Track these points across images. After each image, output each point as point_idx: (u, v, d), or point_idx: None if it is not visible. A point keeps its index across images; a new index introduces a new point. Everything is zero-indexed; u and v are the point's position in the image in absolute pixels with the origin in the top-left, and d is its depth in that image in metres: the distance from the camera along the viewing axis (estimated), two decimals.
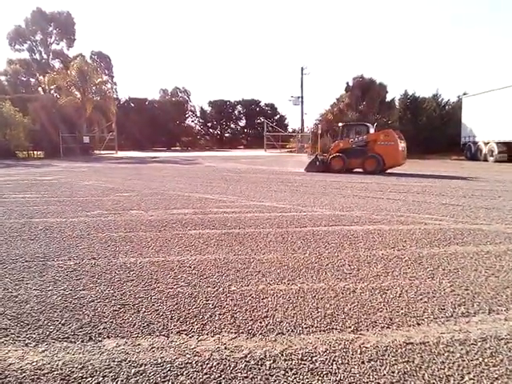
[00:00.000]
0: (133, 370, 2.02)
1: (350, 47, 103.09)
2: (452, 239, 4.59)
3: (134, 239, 4.64)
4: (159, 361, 2.10)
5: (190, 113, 60.87)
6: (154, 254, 4.07)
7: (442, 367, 2.01)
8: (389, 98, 34.21)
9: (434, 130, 29.90)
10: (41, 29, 51.32)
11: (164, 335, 2.38)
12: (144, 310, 2.72)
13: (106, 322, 2.55)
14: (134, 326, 2.50)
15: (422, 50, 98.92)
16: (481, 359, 2.08)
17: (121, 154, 35.21)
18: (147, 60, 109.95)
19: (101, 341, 2.32)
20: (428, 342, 2.26)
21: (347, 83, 34.26)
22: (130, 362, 2.09)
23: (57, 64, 51.85)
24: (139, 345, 2.27)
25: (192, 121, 61.29)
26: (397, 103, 33.93)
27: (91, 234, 4.88)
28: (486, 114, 23.61)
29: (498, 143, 22.27)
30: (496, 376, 1.94)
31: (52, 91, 38.39)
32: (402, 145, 14.06)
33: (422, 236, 4.76)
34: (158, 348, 2.23)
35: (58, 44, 53.05)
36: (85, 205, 7.10)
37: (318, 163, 15.02)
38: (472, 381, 1.90)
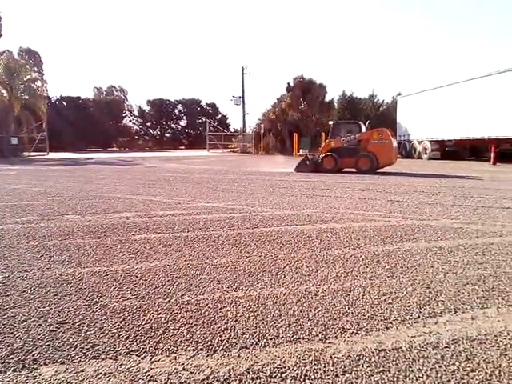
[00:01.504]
0: None
1: (290, 47, 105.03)
2: (403, 236, 4.61)
3: (71, 247, 4.20)
4: None
5: (127, 112, 58.83)
6: (95, 263, 3.68)
7: (420, 375, 1.89)
8: (328, 98, 35.16)
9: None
10: None
11: (111, 358, 2.06)
12: (86, 328, 2.38)
13: (41, 346, 2.18)
14: (76, 348, 2.16)
15: (358, 51, 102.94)
16: (457, 364, 1.99)
17: (53, 155, 33.12)
18: (80, 57, 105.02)
19: (36, 369, 1.97)
20: (401, 348, 2.14)
21: (288, 83, 34.74)
22: None
23: None
24: (82, 371, 1.95)
25: (130, 120, 59.31)
26: (336, 103, 34.90)
27: (21, 243, 4.36)
28: (420, 113, 24.88)
29: (431, 141, 23.53)
30: (477, 382, 1.84)
31: None
32: (394, 143, 13.98)
33: (374, 233, 4.74)
34: (105, 374, 1.92)
35: None
36: (14, 210, 6.42)
37: (308, 163, 14.53)
38: None
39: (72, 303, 2.75)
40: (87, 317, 2.54)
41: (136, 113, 59.23)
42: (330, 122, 15.51)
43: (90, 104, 53.69)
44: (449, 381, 1.86)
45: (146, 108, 59.18)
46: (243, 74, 40.35)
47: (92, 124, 48.91)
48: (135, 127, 59.73)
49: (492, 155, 18.76)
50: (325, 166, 14.15)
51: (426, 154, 23.97)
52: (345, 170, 14.24)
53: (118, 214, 6.01)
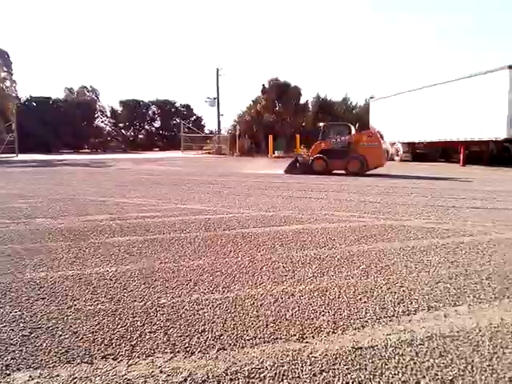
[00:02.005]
0: None
1: (265, 49, 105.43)
2: (377, 236, 4.69)
3: (43, 250, 4.09)
4: None
5: (99, 113, 57.63)
6: (68, 266, 3.60)
7: (396, 372, 1.93)
8: (303, 100, 35.46)
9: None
10: None
11: (87, 362, 2.02)
12: (60, 333, 2.32)
13: (14, 351, 2.12)
14: (50, 353, 2.10)
15: (332, 54, 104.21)
16: (432, 360, 2.03)
17: (22, 156, 32.13)
18: (51, 57, 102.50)
19: (9, 374, 1.92)
20: (376, 346, 2.18)
21: (263, 85, 34.86)
22: None
23: None
24: (57, 376, 1.90)
25: (102, 121, 58.08)
26: (310, 106, 35.25)
27: None
28: (392, 116, 25.40)
29: (402, 144, 24.04)
30: (450, 378, 1.89)
31: None
32: (384, 146, 14.02)
33: (349, 234, 4.80)
34: (80, 378, 1.88)
35: None
36: None
37: (298, 165, 14.43)
38: None
39: (45, 307, 2.68)
40: (61, 321, 2.47)
41: (108, 114, 58.10)
42: (321, 124, 15.29)
43: (61, 104, 52.38)
44: (424, 377, 1.90)
45: (119, 109, 58.11)
46: (218, 75, 40.23)
47: (63, 125, 47.69)
48: (108, 128, 58.59)
49: (461, 157, 19.32)
50: (315, 168, 14.05)
51: (397, 155, 24.46)
52: (334, 172, 14.22)
53: (91, 217, 5.89)
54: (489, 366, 2.02)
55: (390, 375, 1.90)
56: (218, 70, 40.14)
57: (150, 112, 60.36)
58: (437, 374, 1.92)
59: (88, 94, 58.40)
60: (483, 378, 1.92)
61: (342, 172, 13.82)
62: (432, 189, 9.52)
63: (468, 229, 5.05)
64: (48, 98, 51.80)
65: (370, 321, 2.49)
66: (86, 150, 50.37)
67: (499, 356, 2.11)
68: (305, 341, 2.24)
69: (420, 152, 23.84)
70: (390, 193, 8.72)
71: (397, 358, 2.06)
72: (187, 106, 61.22)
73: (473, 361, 2.06)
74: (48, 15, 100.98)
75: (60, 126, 47.26)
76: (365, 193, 8.75)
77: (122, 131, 59.58)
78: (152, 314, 2.58)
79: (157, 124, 60.99)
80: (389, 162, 23.64)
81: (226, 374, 1.91)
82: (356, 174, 13.40)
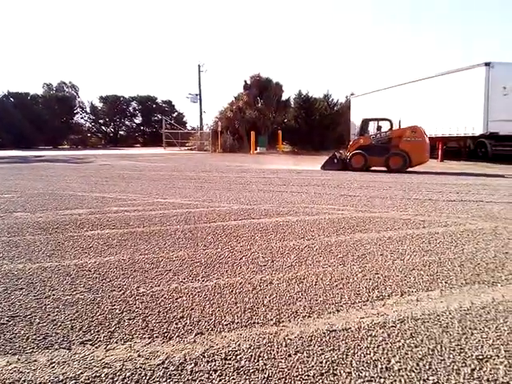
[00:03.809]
0: None
1: (247, 46, 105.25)
2: (355, 227, 4.78)
3: (21, 244, 4.05)
4: (61, 378, 1.77)
5: (78, 109, 56.66)
6: (46, 258, 3.58)
7: (368, 352, 2.00)
8: (285, 97, 35.49)
9: (325, 128, 31.86)
10: None
11: (65, 348, 2.03)
12: (38, 321, 2.33)
13: None
14: (28, 340, 2.11)
15: (313, 52, 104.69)
16: (402, 341, 2.11)
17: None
18: (29, 52, 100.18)
19: None
20: (350, 328, 2.25)
21: (245, 81, 34.76)
22: (25, 381, 1.74)
23: None
24: (35, 361, 1.91)
25: (81, 117, 57.09)
26: (292, 102, 35.35)
27: None
28: (371, 112, 25.65)
29: None
30: (420, 356, 1.97)
31: None
32: (427, 141, 13.25)
33: (328, 225, 4.88)
34: (58, 363, 1.89)
35: None
36: None
37: (336, 161, 13.82)
38: (399, 363, 1.91)
39: (23, 297, 2.67)
40: (39, 310, 2.48)
41: (88, 109, 57.17)
42: (361, 119, 14.49)
43: (40, 100, 51.31)
44: (394, 356, 1.97)
45: (99, 105, 57.22)
46: (199, 71, 40.05)
47: (42, 121, 46.72)
48: (87, 124, 57.66)
49: (439, 152, 19.68)
50: (353, 165, 13.49)
51: None
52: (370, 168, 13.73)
53: (70, 211, 5.84)
54: (457, 345, 2.10)
55: (362, 355, 1.97)
56: (199, 66, 39.98)
57: (130, 108, 59.63)
58: (407, 354, 1.99)
59: (67, 89, 57.38)
60: (451, 356, 2.00)
61: (399, 170, 12.96)
62: (410, 183, 9.70)
63: (443, 220, 5.20)
64: (26, 94, 50.71)
65: (344, 305, 2.56)
66: (65, 147, 49.50)
67: (468, 337, 2.20)
68: (281, 325, 2.30)
69: None
70: (370, 187, 8.86)
71: (369, 339, 2.13)
72: (169, 102, 60.70)
73: (442, 341, 2.14)
74: (26, 9, 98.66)
75: (38, 122, 46.31)
76: (345, 187, 8.87)
77: (103, 127, 58.76)
78: (131, 303, 2.60)
79: (138, 120, 60.29)
80: None
81: (204, 357, 1.95)
82: (397, 170, 12.82)
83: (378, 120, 14.50)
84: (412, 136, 12.96)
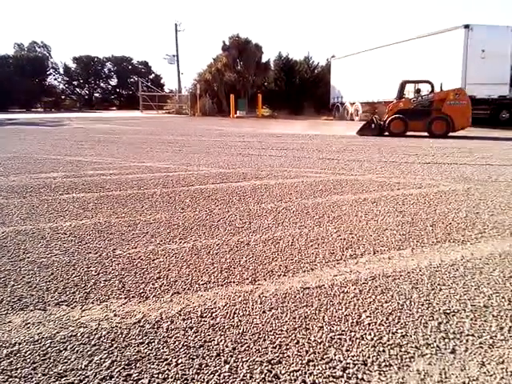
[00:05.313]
0: (4, 351, 1.68)
1: (226, 5, 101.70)
2: (332, 189, 4.84)
3: None
4: (36, 338, 1.78)
5: (51, 70, 54.48)
6: (20, 222, 3.52)
7: (340, 308, 2.06)
8: (264, 59, 34.77)
9: (306, 91, 31.53)
10: None
11: (40, 309, 2.03)
12: (13, 283, 2.31)
13: None
14: (2, 302, 2.10)
15: (293, 12, 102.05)
16: (373, 297, 2.18)
17: None
18: None
19: None
20: (323, 286, 2.31)
21: (224, 42, 33.82)
22: None
23: None
24: (10, 322, 1.91)
25: (55, 79, 55.04)
26: (272, 65, 34.73)
27: None
28: (352, 75, 25.47)
29: (362, 103, 24.29)
30: (390, 311, 2.04)
31: None
32: (470, 104, 12.68)
33: (306, 188, 4.92)
34: (33, 324, 1.90)
35: None
36: None
37: (373, 126, 13.12)
38: (369, 318, 1.98)
39: None
40: (13, 272, 2.45)
41: (61, 71, 55.07)
42: (401, 81, 13.53)
43: (10, 61, 49.01)
44: (365, 311, 2.04)
45: (72, 65, 55.13)
46: (177, 30, 38.74)
47: (13, 83, 44.79)
48: (61, 86, 55.68)
49: None
50: (392, 130, 12.79)
51: (357, 115, 24.76)
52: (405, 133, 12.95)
53: (45, 175, 5.71)
54: (426, 300, 2.19)
55: (334, 310, 2.04)
56: (176, 25, 38.64)
57: (105, 69, 57.70)
58: (377, 309, 2.07)
59: (39, 49, 54.87)
60: (419, 311, 2.08)
61: (442, 135, 12.40)
62: (387, 146, 9.79)
63: (417, 182, 5.30)
64: None
65: (319, 264, 2.62)
66: (39, 110, 47.84)
67: (436, 292, 2.28)
68: (257, 283, 2.34)
69: (379, 111, 24.18)
70: (348, 150, 8.92)
71: (341, 295, 2.20)
72: (145, 64, 58.93)
73: (411, 296, 2.22)
74: None
75: (9, 83, 44.39)
76: (324, 150, 8.90)
77: (77, 89, 56.87)
78: (107, 264, 2.60)
79: (113, 82, 58.53)
80: (349, 122, 24.02)
81: (180, 315, 1.99)
82: (440, 136, 12.24)
83: (417, 82, 13.75)
84: (456, 99, 12.41)
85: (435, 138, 11.94)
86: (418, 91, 13.12)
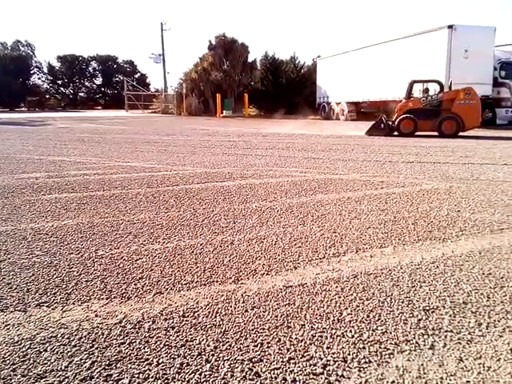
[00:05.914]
0: None
1: (212, 4, 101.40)
2: (317, 189, 4.87)
3: None
4: (16, 339, 1.76)
5: (35, 69, 53.70)
6: (1, 222, 3.47)
7: (322, 306, 2.08)
8: (251, 58, 34.74)
9: (292, 91, 31.57)
10: None
11: (20, 310, 2.01)
12: None
13: None
14: None
15: (280, 12, 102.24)
16: (355, 294, 2.21)
17: None
18: None
19: None
20: (306, 284, 2.32)
21: (210, 41, 33.70)
22: None
23: None
24: None
25: (39, 78, 54.27)
26: (258, 64, 34.72)
27: None
28: (338, 75, 25.58)
29: (347, 103, 24.43)
30: (370, 308, 2.07)
31: None
32: (480, 104, 12.54)
33: (290, 187, 4.94)
34: (13, 325, 1.88)
35: None
36: None
37: (382, 126, 12.95)
38: (350, 315, 2.00)
39: None
40: None
41: (45, 70, 54.32)
42: (409, 80, 13.38)
43: None
44: (346, 308, 2.07)
45: (57, 64, 54.44)
46: (162, 29, 38.49)
47: None
48: (45, 85, 54.93)
49: None
50: (402, 130, 12.68)
51: (343, 115, 24.90)
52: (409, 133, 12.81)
53: (27, 175, 5.63)
54: (406, 298, 2.22)
55: (316, 308, 2.06)
56: (162, 24, 38.38)
57: (90, 68, 57.11)
58: (358, 306, 2.09)
59: (23, 48, 54.01)
60: (400, 308, 2.11)
61: (451, 135, 12.22)
62: (372, 146, 9.88)
63: (401, 181, 5.36)
64: None
65: (302, 263, 2.63)
66: (23, 109, 47.10)
67: (416, 289, 2.32)
68: (240, 282, 2.35)
69: (364, 111, 24.36)
70: (333, 149, 8.97)
71: (323, 293, 2.22)
72: (131, 63, 58.49)
73: (392, 294, 2.25)
74: None
75: None
76: (309, 150, 8.94)
77: (61, 88, 56.17)
78: (89, 265, 2.58)
79: (98, 81, 57.97)
80: (335, 122, 24.16)
81: (161, 315, 1.98)
82: (450, 135, 12.10)
83: (426, 82, 13.74)
84: (466, 98, 12.24)
85: (445, 138, 11.91)
86: (426, 91, 13.03)
